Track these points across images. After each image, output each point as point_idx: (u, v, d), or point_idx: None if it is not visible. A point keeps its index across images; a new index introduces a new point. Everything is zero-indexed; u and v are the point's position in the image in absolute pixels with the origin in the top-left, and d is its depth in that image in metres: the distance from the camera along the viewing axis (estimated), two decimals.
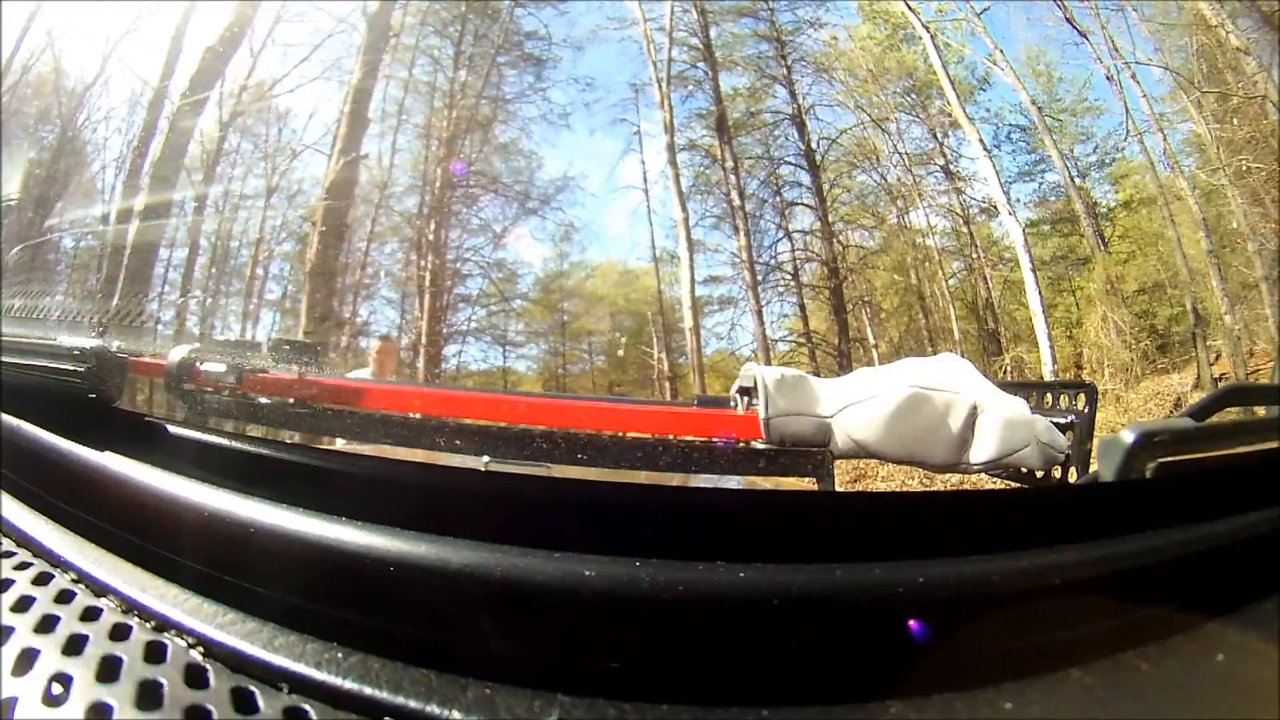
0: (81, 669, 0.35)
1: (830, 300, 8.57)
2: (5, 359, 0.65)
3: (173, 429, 0.55)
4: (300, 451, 0.57)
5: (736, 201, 8.52)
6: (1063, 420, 0.88)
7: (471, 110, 8.34)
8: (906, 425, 0.86)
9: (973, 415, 0.85)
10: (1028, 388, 0.95)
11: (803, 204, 8.76)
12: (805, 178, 8.73)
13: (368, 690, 0.33)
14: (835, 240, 8.60)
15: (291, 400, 1.05)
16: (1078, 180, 7.85)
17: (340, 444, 1.23)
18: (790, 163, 8.81)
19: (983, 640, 0.37)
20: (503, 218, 8.55)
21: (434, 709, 0.32)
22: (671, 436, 0.98)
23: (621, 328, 9.01)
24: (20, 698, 0.33)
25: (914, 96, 8.51)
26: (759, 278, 8.41)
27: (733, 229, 8.55)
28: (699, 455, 0.96)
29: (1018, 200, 7.91)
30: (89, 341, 0.73)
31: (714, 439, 0.96)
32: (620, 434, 0.99)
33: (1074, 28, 7.48)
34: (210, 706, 0.33)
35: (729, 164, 8.59)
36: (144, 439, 0.51)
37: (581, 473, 0.90)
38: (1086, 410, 0.89)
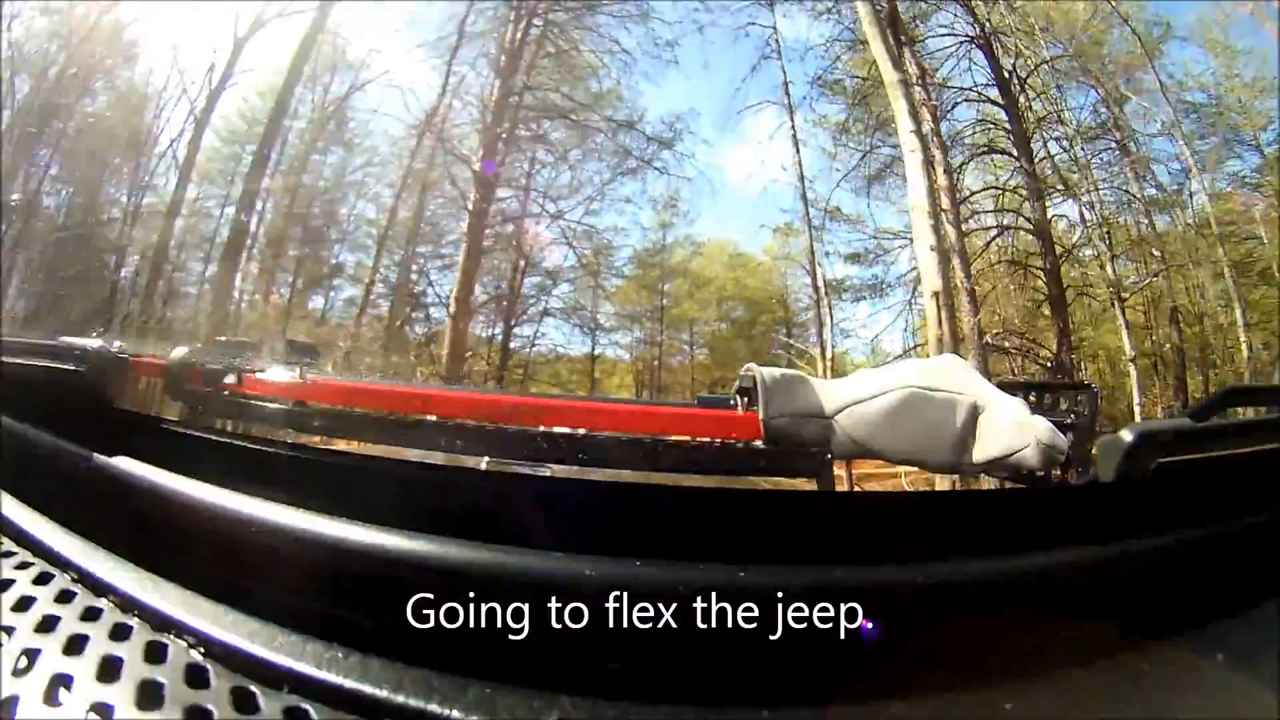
0: (82, 669, 0.35)
1: (1049, 291, 5.82)
2: (5, 359, 0.65)
3: (173, 429, 0.55)
4: (300, 451, 0.57)
5: (929, 126, 5.50)
6: (1063, 421, 0.88)
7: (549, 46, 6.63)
8: (907, 425, 0.86)
9: (973, 415, 0.85)
10: (1028, 388, 0.95)
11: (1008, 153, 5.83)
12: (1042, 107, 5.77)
13: (368, 690, 0.33)
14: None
15: (292, 400, 1.05)
16: None
17: (340, 444, 1.23)
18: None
19: (983, 640, 0.37)
20: (595, 177, 6.78)
21: (434, 709, 0.32)
22: (671, 437, 0.98)
23: (729, 317, 7.44)
24: (21, 697, 0.33)
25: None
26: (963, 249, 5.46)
27: (925, 167, 5.47)
28: (699, 455, 0.96)
29: None
30: (89, 342, 0.74)
31: (714, 439, 0.96)
32: (620, 434, 0.99)
33: None
34: (211, 706, 0.33)
35: (913, 72, 5.60)
36: (144, 439, 0.51)
37: (581, 473, 0.90)
38: (1087, 411, 0.89)
